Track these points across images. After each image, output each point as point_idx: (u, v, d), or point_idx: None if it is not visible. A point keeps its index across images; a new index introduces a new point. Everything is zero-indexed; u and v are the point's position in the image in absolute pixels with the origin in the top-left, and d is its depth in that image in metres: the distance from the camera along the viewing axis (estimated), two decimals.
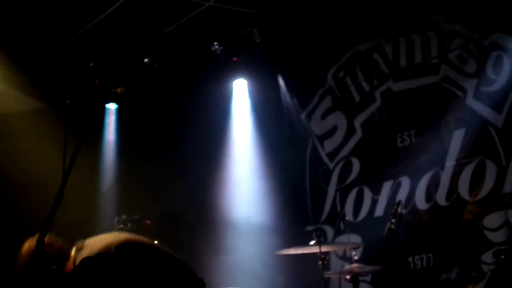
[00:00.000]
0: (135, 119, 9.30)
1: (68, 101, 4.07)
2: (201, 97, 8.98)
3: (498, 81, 7.12)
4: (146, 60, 8.91)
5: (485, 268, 6.95)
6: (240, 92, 9.20)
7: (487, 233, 7.03)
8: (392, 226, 5.84)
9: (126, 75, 8.74)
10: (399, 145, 7.91)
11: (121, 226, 8.71)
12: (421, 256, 7.51)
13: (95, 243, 4.10)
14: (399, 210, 5.98)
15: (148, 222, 8.59)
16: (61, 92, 8.53)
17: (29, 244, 4.00)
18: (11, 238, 7.73)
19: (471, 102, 7.37)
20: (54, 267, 4.27)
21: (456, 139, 7.41)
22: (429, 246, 7.47)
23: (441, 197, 7.47)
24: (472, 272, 7.05)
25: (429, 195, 7.56)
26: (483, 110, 7.24)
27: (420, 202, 7.62)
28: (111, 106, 9.37)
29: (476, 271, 7.02)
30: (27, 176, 8.57)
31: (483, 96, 7.25)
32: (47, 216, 3.45)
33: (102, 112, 9.28)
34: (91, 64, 8.80)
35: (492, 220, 7.02)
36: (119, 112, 9.45)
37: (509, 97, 7.01)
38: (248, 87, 9.18)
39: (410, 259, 7.57)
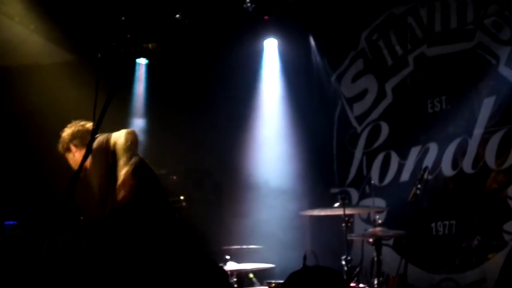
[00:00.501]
0: (165, 75, 9.31)
1: (99, 55, 4.11)
2: (231, 55, 8.95)
3: None
4: (177, 16, 8.88)
5: (507, 237, 6.98)
6: (271, 52, 9.15)
7: (510, 202, 7.03)
8: (418, 192, 5.83)
9: (158, 30, 8.73)
10: (430, 111, 7.86)
11: None
12: (444, 222, 7.53)
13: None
14: (425, 176, 5.96)
15: (174, 177, 8.70)
16: (93, 45, 8.58)
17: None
18: (44, 188, 7.95)
19: (503, 70, 7.32)
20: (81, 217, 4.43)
21: (486, 107, 7.37)
22: (453, 213, 7.49)
23: (467, 165, 7.47)
24: (493, 241, 7.06)
25: (456, 162, 7.55)
26: None
27: (446, 169, 7.62)
28: (142, 61, 9.39)
29: (497, 240, 7.04)
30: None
31: None
32: (75, 171, 3.51)
33: (133, 66, 9.31)
34: (123, 18, 8.79)
35: None
36: (149, 67, 9.47)
37: None
38: (278, 47, 9.12)
39: (433, 225, 7.59)
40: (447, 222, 7.52)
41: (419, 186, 5.84)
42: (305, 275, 2.92)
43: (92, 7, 8.67)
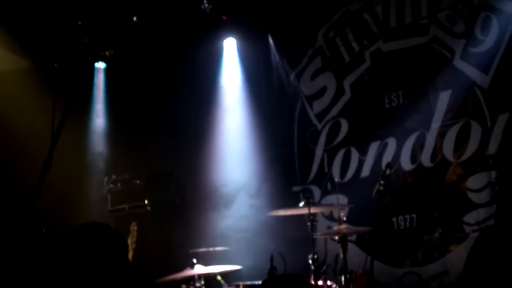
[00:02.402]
0: (124, 78, 9.26)
1: (55, 64, 4.07)
2: (190, 56, 8.93)
3: (485, 42, 7.15)
4: (135, 18, 8.83)
5: (467, 229, 7.07)
6: (230, 52, 9.16)
7: (470, 194, 7.12)
8: (381, 188, 5.88)
9: (115, 34, 8.68)
10: (387, 106, 7.94)
11: (111, 186, 8.80)
12: (405, 216, 7.61)
13: None
14: (387, 172, 6.01)
15: (137, 182, 8.66)
16: (50, 52, 8.48)
17: None
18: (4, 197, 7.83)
19: (459, 63, 7.40)
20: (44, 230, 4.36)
21: (443, 100, 7.45)
22: (413, 206, 7.58)
23: (426, 158, 7.55)
24: (454, 233, 7.16)
25: (414, 156, 7.64)
26: (470, 71, 7.28)
27: (405, 163, 7.70)
28: (100, 65, 9.31)
29: (458, 232, 7.14)
30: (13, 137, 8.56)
31: (471, 57, 7.28)
32: (37, 179, 3.48)
33: (91, 71, 9.23)
34: (79, 22, 8.70)
35: (475, 181, 7.12)
36: (108, 71, 9.41)
37: (496, 58, 7.05)
38: (238, 47, 9.13)
39: (394, 219, 7.67)
40: (408, 216, 7.60)
41: (382, 182, 5.89)
42: (273, 285, 2.94)
43: (48, 12, 8.57)
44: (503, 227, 6.62)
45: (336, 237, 6.60)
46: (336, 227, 6.71)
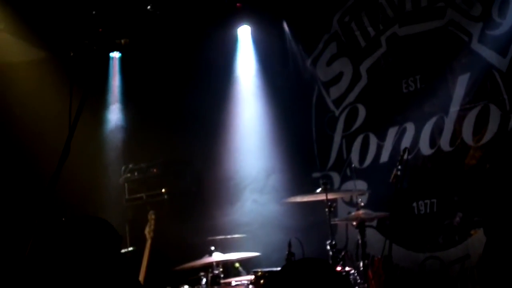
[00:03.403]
0: (139, 67, 9.25)
1: (71, 53, 4.06)
2: (205, 45, 8.90)
3: (503, 25, 7.10)
4: (149, 7, 8.81)
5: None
6: (245, 39, 9.11)
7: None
8: (398, 173, 5.84)
9: (129, 23, 8.67)
10: (404, 90, 7.89)
11: (128, 175, 8.81)
12: (425, 201, 7.59)
13: None
14: (405, 156, 5.98)
15: (154, 170, 8.66)
16: (65, 42, 8.49)
17: None
18: (15, 190, 7.88)
19: (476, 46, 7.35)
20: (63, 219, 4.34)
21: (461, 84, 7.41)
22: (433, 191, 7.55)
23: (445, 143, 7.52)
24: (475, 217, 7.12)
25: (433, 141, 7.60)
26: (488, 54, 7.23)
27: (424, 148, 7.66)
28: (115, 55, 9.31)
29: (479, 216, 7.10)
30: (31, 127, 8.62)
31: (488, 40, 7.23)
32: (55, 169, 3.48)
33: (106, 61, 9.23)
34: (94, 12, 8.70)
35: None
36: (123, 60, 9.40)
37: None
38: (252, 34, 9.08)
39: (415, 204, 7.65)
40: (428, 201, 7.57)
41: (399, 167, 5.86)
42: (293, 269, 2.90)
43: (62, 3, 8.58)
44: None
45: (354, 223, 6.59)
46: (353, 213, 6.69)
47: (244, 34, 9.10)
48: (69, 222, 2.85)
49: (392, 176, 5.90)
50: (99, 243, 2.81)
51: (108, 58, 9.28)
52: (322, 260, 2.89)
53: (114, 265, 2.81)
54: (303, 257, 6.29)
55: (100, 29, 8.74)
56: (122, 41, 4.01)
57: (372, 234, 7.58)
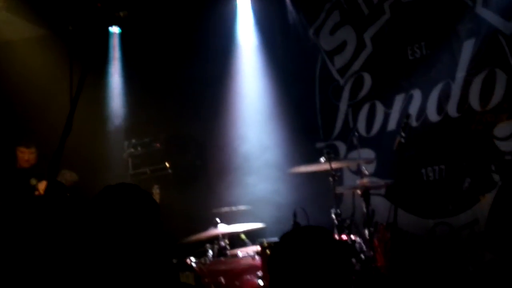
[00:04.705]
0: (139, 42, 9.16)
1: (70, 27, 3.99)
2: (205, 17, 8.80)
3: None
4: None
5: (496, 177, 7.01)
6: (245, 10, 9.00)
7: (497, 142, 7.06)
8: (402, 140, 5.76)
9: None
10: (410, 57, 7.80)
11: (132, 150, 8.78)
12: (434, 167, 7.54)
13: None
14: (409, 123, 5.90)
15: (157, 145, 8.63)
16: (63, 18, 8.41)
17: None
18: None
19: (481, 10, 7.27)
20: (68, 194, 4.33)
21: (466, 50, 7.34)
22: (442, 157, 7.49)
23: (452, 109, 7.45)
24: (483, 182, 7.10)
25: (441, 107, 7.53)
26: (493, 18, 7.15)
27: (432, 114, 7.60)
28: (115, 30, 9.21)
29: (487, 181, 7.07)
30: (33, 104, 8.60)
31: (493, 3, 7.16)
32: (58, 145, 3.43)
33: (106, 36, 9.15)
34: None
35: (502, 129, 7.07)
36: (122, 36, 9.31)
37: None
38: (252, 5, 8.96)
39: (423, 171, 7.60)
40: (436, 167, 7.52)
41: (403, 134, 5.77)
42: (296, 235, 2.86)
43: None
44: None
45: (359, 191, 6.55)
46: (358, 181, 6.65)
47: (244, 5, 8.98)
48: (106, 191, 2.77)
49: (396, 143, 5.80)
50: (139, 211, 2.75)
51: (108, 34, 9.18)
52: (320, 227, 2.84)
53: (156, 233, 2.75)
54: None
55: (99, 4, 8.63)
56: (121, 13, 3.95)
57: (381, 202, 7.53)
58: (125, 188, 2.81)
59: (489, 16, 7.17)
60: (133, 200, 2.76)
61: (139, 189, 2.82)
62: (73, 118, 3.49)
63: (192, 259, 6.65)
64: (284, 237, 2.83)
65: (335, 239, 2.93)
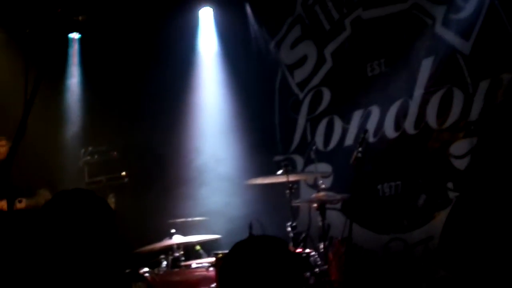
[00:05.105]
0: (99, 49, 9.07)
1: (28, 30, 3.93)
2: (166, 26, 8.76)
3: (466, 8, 7.10)
4: None
5: (451, 195, 7.08)
6: (207, 21, 8.99)
7: (453, 160, 7.12)
8: (359, 155, 5.80)
9: (89, 3, 8.48)
10: (369, 74, 7.87)
11: (88, 157, 8.65)
12: (390, 184, 7.59)
13: None
14: (366, 138, 5.95)
15: (114, 153, 8.53)
16: (21, 21, 8.28)
17: None
18: None
19: (440, 29, 7.35)
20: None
21: (425, 68, 7.42)
22: (398, 174, 7.55)
23: (409, 126, 7.52)
24: (438, 199, 7.17)
25: (398, 124, 7.60)
26: (451, 37, 7.24)
27: (389, 131, 7.66)
28: (74, 36, 9.11)
29: (442, 198, 7.14)
30: None
31: (452, 23, 7.24)
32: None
33: (66, 42, 9.04)
34: None
35: (458, 147, 7.11)
36: (82, 41, 9.21)
37: (476, 24, 7.01)
38: (214, 16, 8.96)
39: (380, 186, 7.65)
40: (393, 183, 7.58)
41: (360, 149, 5.82)
42: (249, 244, 2.82)
43: None
44: (477, 194, 6.70)
45: (315, 205, 6.57)
46: (314, 195, 6.67)
47: (206, 16, 8.98)
48: (61, 196, 2.69)
49: (353, 158, 5.84)
50: (94, 217, 2.68)
51: (67, 39, 9.07)
52: (274, 237, 2.81)
53: (110, 239, 2.68)
54: None
55: (59, 9, 8.51)
56: (80, 17, 3.89)
57: (336, 217, 7.57)
58: (79, 193, 2.75)
59: (448, 35, 7.26)
60: (88, 205, 2.70)
61: (94, 194, 2.76)
62: (26, 121, 3.41)
63: (146, 269, 6.57)
64: (237, 246, 2.78)
65: (289, 250, 2.90)
